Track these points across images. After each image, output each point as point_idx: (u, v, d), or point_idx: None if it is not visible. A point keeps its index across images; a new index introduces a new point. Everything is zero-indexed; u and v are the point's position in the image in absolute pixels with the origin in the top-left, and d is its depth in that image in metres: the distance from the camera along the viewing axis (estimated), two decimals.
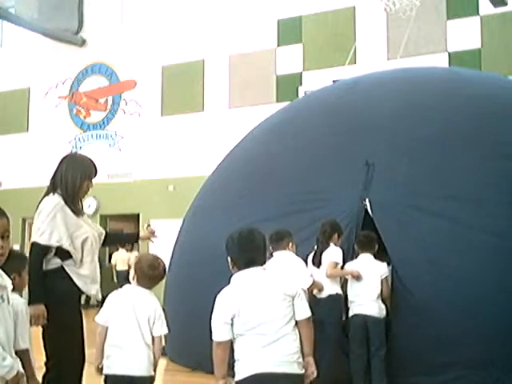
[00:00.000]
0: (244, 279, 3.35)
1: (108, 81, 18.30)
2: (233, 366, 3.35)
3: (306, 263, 6.06)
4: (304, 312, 3.34)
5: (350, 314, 5.99)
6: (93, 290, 4.24)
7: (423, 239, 6.15)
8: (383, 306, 5.98)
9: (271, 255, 5.66)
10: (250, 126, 9.19)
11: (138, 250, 15.60)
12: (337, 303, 5.99)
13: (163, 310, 4.00)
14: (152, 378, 3.86)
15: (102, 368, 3.86)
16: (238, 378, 3.31)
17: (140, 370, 3.78)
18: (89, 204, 17.22)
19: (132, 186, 16.85)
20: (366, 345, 5.90)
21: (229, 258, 3.41)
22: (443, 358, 5.78)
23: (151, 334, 3.82)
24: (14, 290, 3.46)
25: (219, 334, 3.30)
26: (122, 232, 4.99)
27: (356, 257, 6.17)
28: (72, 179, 4.26)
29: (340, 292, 6.03)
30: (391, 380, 5.90)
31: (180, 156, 16.53)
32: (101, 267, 4.53)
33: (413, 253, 6.13)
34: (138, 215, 16.44)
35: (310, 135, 7.48)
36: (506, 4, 12.92)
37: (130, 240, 5.11)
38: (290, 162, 7.33)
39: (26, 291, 3.84)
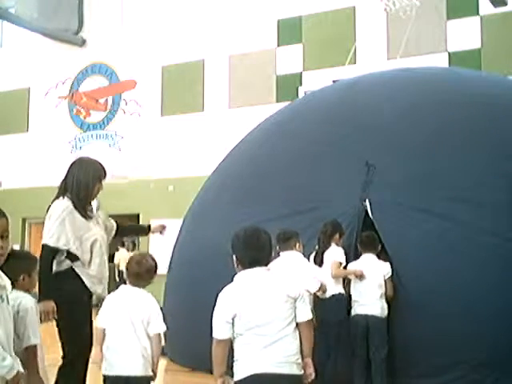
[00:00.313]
0: (247, 279, 3.35)
1: (108, 81, 18.30)
2: (231, 366, 3.34)
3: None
4: (305, 314, 3.35)
5: (352, 313, 6.00)
6: (99, 289, 4.36)
7: (423, 240, 6.15)
8: (385, 306, 5.97)
9: (278, 255, 5.66)
10: (250, 126, 9.19)
11: (139, 249, 15.61)
12: (340, 303, 5.99)
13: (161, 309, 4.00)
14: (150, 378, 3.86)
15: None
16: (236, 377, 3.30)
17: (135, 369, 3.77)
18: None
19: (132, 186, 16.85)
20: (367, 344, 5.90)
21: (234, 257, 3.41)
22: (443, 359, 5.78)
23: (147, 333, 3.80)
24: (23, 289, 3.54)
25: (220, 332, 3.30)
26: (133, 225, 5.21)
27: (358, 257, 6.18)
28: (83, 182, 4.39)
29: (343, 292, 6.04)
30: (392, 381, 5.91)
31: (180, 156, 16.53)
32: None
33: (413, 253, 6.13)
34: (138, 215, 16.43)
35: (310, 135, 7.47)
36: (505, 4, 12.93)
37: (142, 232, 5.23)
38: (291, 163, 7.33)
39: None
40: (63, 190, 4.42)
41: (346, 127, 7.28)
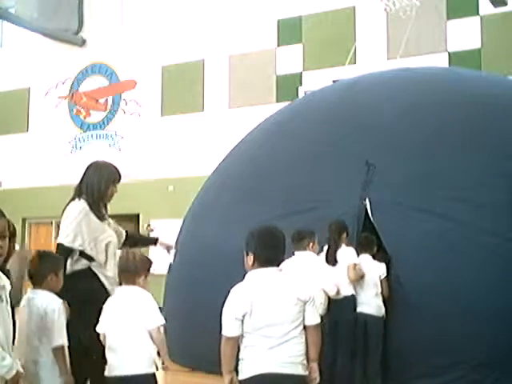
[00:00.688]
0: (260, 278, 3.35)
1: (108, 81, 18.29)
2: (236, 365, 3.36)
3: None
4: (313, 318, 3.37)
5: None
6: (114, 291, 4.38)
7: (423, 239, 6.16)
8: (381, 305, 6.03)
9: (293, 254, 5.67)
10: (250, 126, 9.19)
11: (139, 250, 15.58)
12: (351, 304, 6.00)
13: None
14: (150, 375, 3.80)
15: None
16: (241, 377, 3.32)
17: (135, 368, 3.74)
18: None
19: (132, 186, 16.82)
20: (366, 344, 5.92)
21: (249, 254, 3.39)
22: (443, 359, 5.78)
23: (146, 329, 3.74)
24: (50, 289, 3.65)
25: (230, 329, 3.29)
26: (141, 236, 5.36)
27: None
28: (97, 185, 4.48)
29: (353, 292, 6.04)
30: (392, 381, 5.91)
31: (180, 156, 16.52)
32: None
33: (412, 253, 6.14)
34: (138, 215, 16.43)
35: (310, 135, 7.48)
36: (505, 4, 12.92)
37: (149, 243, 5.29)
38: (291, 162, 7.33)
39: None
40: (79, 192, 4.53)
41: (346, 127, 7.28)
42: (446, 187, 6.36)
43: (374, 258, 6.24)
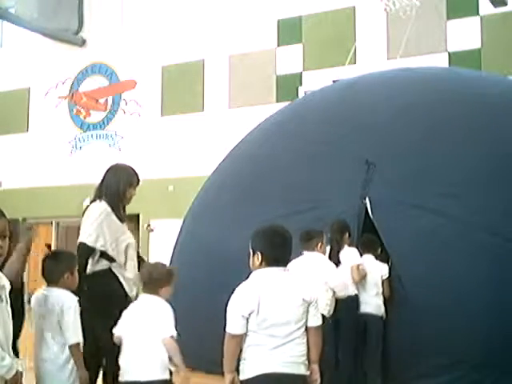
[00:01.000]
0: (267, 278, 3.34)
1: (108, 81, 18.30)
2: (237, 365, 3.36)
3: None
4: (316, 320, 3.38)
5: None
6: (133, 291, 4.53)
7: (423, 238, 6.16)
8: (381, 304, 6.06)
9: (301, 253, 5.67)
10: (250, 126, 9.19)
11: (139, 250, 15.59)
12: (354, 303, 6.01)
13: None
14: (164, 381, 3.84)
15: None
16: (243, 377, 3.31)
17: (147, 374, 3.79)
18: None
19: None
20: (366, 343, 5.94)
21: (256, 254, 3.37)
22: (443, 359, 5.78)
23: (158, 338, 3.82)
24: (66, 287, 3.68)
25: (235, 326, 3.28)
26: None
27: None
28: (116, 188, 4.57)
29: (357, 292, 6.05)
30: (391, 381, 5.91)
31: (180, 156, 16.53)
32: None
33: (412, 252, 6.14)
34: (138, 215, 16.42)
35: (310, 135, 7.48)
36: (505, 4, 12.92)
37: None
38: (291, 162, 7.33)
39: None
40: (99, 194, 4.60)
41: (346, 127, 7.28)
42: (446, 185, 6.36)
43: (376, 258, 6.24)
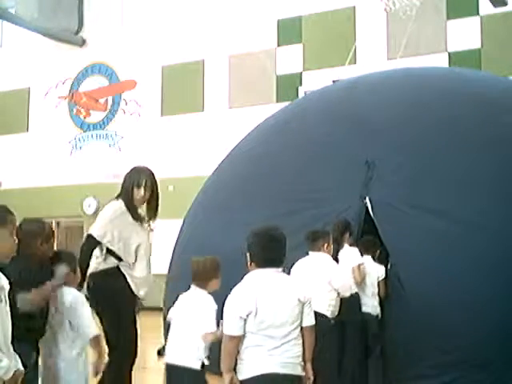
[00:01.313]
0: (262, 279, 3.36)
1: (108, 81, 18.29)
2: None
3: None
4: (310, 319, 3.40)
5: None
6: (141, 291, 4.55)
7: (422, 238, 6.16)
8: (377, 305, 6.13)
9: (307, 254, 5.67)
10: (250, 126, 9.19)
11: None
12: (356, 302, 6.02)
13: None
14: (194, 371, 4.02)
15: None
16: (241, 377, 3.33)
17: (183, 360, 4.01)
18: (89, 204, 17.21)
19: None
20: (366, 343, 5.95)
21: (248, 255, 3.42)
22: (443, 359, 5.78)
23: (198, 331, 3.98)
24: (69, 285, 3.76)
25: (233, 328, 3.29)
26: None
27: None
28: (126, 188, 4.63)
29: (356, 290, 6.05)
30: (391, 382, 5.91)
31: (180, 156, 16.52)
32: None
33: (412, 251, 6.14)
34: None
35: (310, 135, 7.48)
36: (506, 4, 12.91)
37: None
38: (291, 162, 7.33)
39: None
40: (119, 193, 4.69)
41: (346, 127, 7.28)
42: (446, 186, 6.36)
43: (374, 259, 6.30)
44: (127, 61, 17.85)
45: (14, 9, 18.05)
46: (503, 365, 5.70)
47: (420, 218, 6.21)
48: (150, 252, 4.76)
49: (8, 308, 2.92)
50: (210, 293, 4.13)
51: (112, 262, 4.49)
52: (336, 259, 5.95)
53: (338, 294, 5.62)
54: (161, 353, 8.35)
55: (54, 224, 17.84)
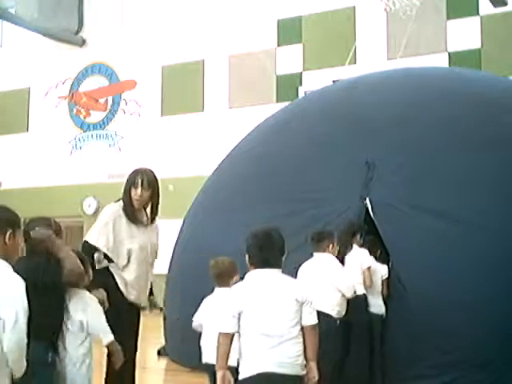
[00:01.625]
0: (257, 278, 3.40)
1: (108, 81, 18.30)
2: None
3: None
4: (311, 318, 3.39)
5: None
6: (131, 295, 4.46)
7: (422, 238, 6.16)
8: (382, 304, 6.11)
9: (311, 255, 5.67)
10: (250, 126, 9.19)
11: None
12: (363, 303, 6.01)
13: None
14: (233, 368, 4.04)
15: None
16: (239, 376, 3.35)
17: (210, 358, 4.06)
18: (89, 204, 17.23)
19: None
20: (370, 342, 5.97)
21: (246, 255, 3.46)
22: (443, 359, 5.78)
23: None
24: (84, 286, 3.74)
25: (225, 325, 3.36)
26: None
27: None
28: (124, 189, 4.55)
29: (364, 291, 6.04)
30: (391, 382, 5.91)
31: (180, 156, 16.53)
32: None
33: (412, 252, 6.14)
34: None
35: (311, 135, 7.48)
36: (506, 4, 12.92)
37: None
38: (291, 162, 7.33)
39: None
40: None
41: (346, 127, 7.28)
42: (446, 186, 6.36)
43: (376, 259, 6.27)
44: (127, 61, 17.86)
45: (14, 9, 18.06)
46: (503, 365, 5.70)
47: (420, 218, 6.21)
48: (156, 254, 4.69)
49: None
50: None
51: (105, 262, 4.47)
52: (343, 260, 5.95)
53: (343, 294, 5.62)
54: (161, 353, 8.37)
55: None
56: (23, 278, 2.80)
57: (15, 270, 2.85)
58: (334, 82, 11.73)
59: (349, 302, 5.73)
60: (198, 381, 6.87)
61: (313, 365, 3.39)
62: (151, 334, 8.73)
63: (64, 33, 18.41)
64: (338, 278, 5.59)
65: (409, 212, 6.28)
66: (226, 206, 7.62)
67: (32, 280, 3.07)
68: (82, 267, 3.58)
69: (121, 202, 4.53)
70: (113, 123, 18.02)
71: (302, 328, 3.36)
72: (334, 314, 5.49)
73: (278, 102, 15.04)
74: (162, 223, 4.77)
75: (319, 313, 3.54)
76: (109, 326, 3.98)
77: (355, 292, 5.81)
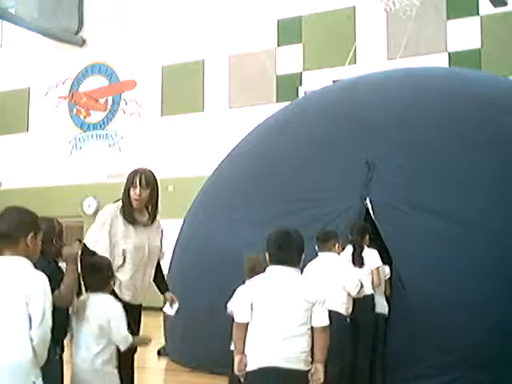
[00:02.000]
0: (272, 274, 3.53)
1: (108, 81, 18.30)
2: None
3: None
4: (322, 320, 3.43)
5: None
6: (126, 295, 4.39)
7: (423, 238, 6.16)
8: (385, 304, 6.13)
9: (316, 255, 5.68)
10: (250, 126, 9.19)
11: None
12: (370, 303, 6.01)
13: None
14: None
15: None
16: (247, 369, 3.44)
17: None
18: (89, 204, 17.22)
19: None
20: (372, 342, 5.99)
21: (266, 253, 3.59)
22: (443, 359, 5.78)
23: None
24: (104, 291, 3.77)
25: (239, 315, 3.50)
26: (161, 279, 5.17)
27: None
28: (123, 190, 4.52)
29: (372, 292, 6.04)
30: (391, 382, 5.91)
31: (180, 156, 16.53)
32: None
33: (412, 252, 6.14)
34: None
35: (311, 135, 7.48)
36: (506, 4, 12.91)
37: (159, 289, 5.13)
38: (291, 162, 7.33)
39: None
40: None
41: (346, 127, 7.28)
42: (446, 186, 6.37)
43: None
44: (127, 61, 17.86)
45: (14, 9, 18.05)
46: (503, 365, 5.70)
47: (420, 218, 6.22)
48: (160, 255, 4.66)
49: None
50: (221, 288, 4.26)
51: None
52: (361, 261, 5.95)
53: (349, 293, 5.64)
54: (161, 353, 8.37)
55: None
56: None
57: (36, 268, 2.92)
58: (334, 82, 11.73)
59: (355, 301, 5.74)
60: (198, 381, 6.89)
61: (319, 366, 3.42)
62: (151, 334, 8.72)
63: (64, 33, 18.41)
64: (344, 278, 5.61)
65: (409, 212, 6.28)
66: (225, 205, 7.62)
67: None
68: (71, 296, 3.52)
69: (119, 203, 4.50)
70: (113, 123, 18.02)
71: (312, 328, 3.40)
72: (343, 311, 5.51)
73: (277, 101, 15.04)
74: (161, 223, 4.76)
75: (330, 311, 3.58)
76: None
77: (362, 291, 5.81)
